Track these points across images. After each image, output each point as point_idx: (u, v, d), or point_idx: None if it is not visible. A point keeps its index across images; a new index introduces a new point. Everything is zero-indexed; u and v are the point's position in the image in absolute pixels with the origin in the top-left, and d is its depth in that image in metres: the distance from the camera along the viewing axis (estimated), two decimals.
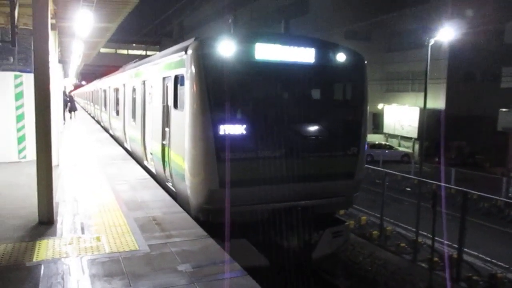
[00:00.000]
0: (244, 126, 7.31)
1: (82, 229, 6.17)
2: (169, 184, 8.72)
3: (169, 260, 5.13)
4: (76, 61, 24.52)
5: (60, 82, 19.04)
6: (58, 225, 6.30)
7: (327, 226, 8.39)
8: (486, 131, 32.11)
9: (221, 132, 7.13)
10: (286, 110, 7.74)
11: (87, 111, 39.89)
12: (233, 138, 7.19)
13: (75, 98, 36.95)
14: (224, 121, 7.14)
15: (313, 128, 8.11)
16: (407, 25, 36.86)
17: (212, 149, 7.09)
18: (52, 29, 11.02)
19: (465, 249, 10.82)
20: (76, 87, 66.90)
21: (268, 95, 7.99)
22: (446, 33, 16.93)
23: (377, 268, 10.94)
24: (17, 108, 11.17)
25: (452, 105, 34.40)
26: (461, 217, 10.57)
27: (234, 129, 7.23)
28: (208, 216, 7.36)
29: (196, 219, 7.09)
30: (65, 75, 30.47)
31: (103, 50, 41.64)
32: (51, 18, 10.15)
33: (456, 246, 10.81)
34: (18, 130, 11.25)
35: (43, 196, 6.31)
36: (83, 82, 65.48)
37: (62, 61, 22.48)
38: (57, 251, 5.33)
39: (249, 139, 7.34)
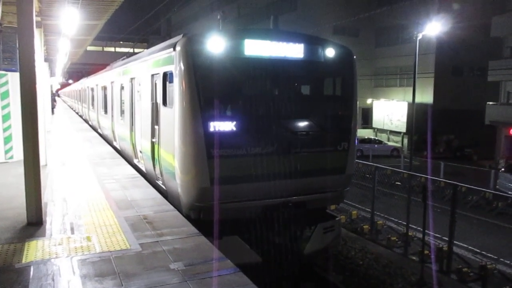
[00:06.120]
0: (234, 122, 7.27)
1: (72, 229, 6.10)
2: (160, 182, 8.65)
3: (161, 259, 5.08)
4: (62, 59, 24.21)
5: (46, 81, 18.80)
6: (47, 226, 6.21)
7: (318, 221, 8.41)
8: (474, 125, 32.47)
9: (211, 129, 7.08)
10: (276, 106, 7.72)
11: (74, 110, 39.47)
12: (224, 135, 7.15)
13: (62, 97, 36.63)
14: (214, 118, 7.09)
15: (303, 123, 8.10)
16: (395, 20, 37.07)
17: (202, 147, 7.05)
18: (37, 27, 10.83)
19: (455, 242, 10.91)
20: (63, 85, 66.27)
21: (258, 91, 7.95)
22: (434, 28, 17.02)
23: (369, 262, 11.00)
24: (3, 107, 10.99)
25: (440, 99, 34.73)
26: (451, 210, 10.64)
27: (224, 125, 7.18)
28: (200, 213, 7.32)
29: (187, 217, 7.06)
30: (52, 73, 30.10)
31: (90, 48, 41.11)
32: (36, 16, 9.97)
33: (446, 238, 10.90)
34: (5, 130, 11.07)
35: (31, 196, 6.21)
36: (70, 81, 64.87)
37: (48, 59, 22.18)
38: (46, 251, 5.26)
39: (239, 135, 7.30)
